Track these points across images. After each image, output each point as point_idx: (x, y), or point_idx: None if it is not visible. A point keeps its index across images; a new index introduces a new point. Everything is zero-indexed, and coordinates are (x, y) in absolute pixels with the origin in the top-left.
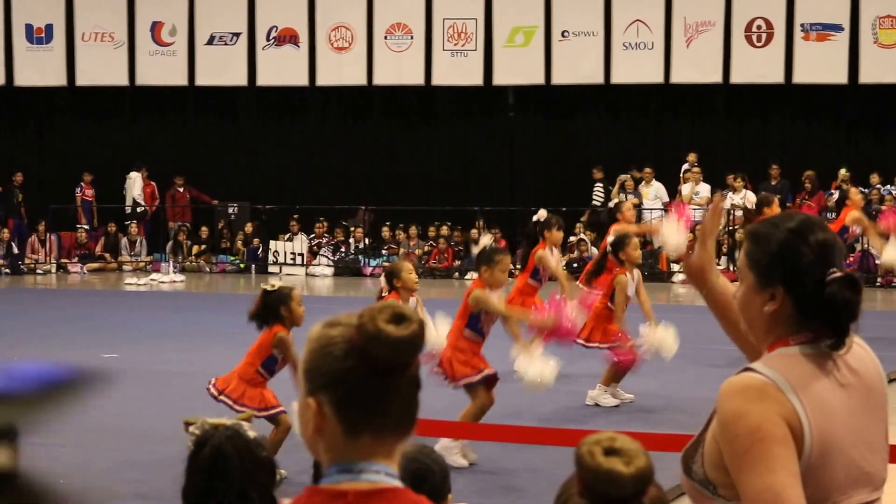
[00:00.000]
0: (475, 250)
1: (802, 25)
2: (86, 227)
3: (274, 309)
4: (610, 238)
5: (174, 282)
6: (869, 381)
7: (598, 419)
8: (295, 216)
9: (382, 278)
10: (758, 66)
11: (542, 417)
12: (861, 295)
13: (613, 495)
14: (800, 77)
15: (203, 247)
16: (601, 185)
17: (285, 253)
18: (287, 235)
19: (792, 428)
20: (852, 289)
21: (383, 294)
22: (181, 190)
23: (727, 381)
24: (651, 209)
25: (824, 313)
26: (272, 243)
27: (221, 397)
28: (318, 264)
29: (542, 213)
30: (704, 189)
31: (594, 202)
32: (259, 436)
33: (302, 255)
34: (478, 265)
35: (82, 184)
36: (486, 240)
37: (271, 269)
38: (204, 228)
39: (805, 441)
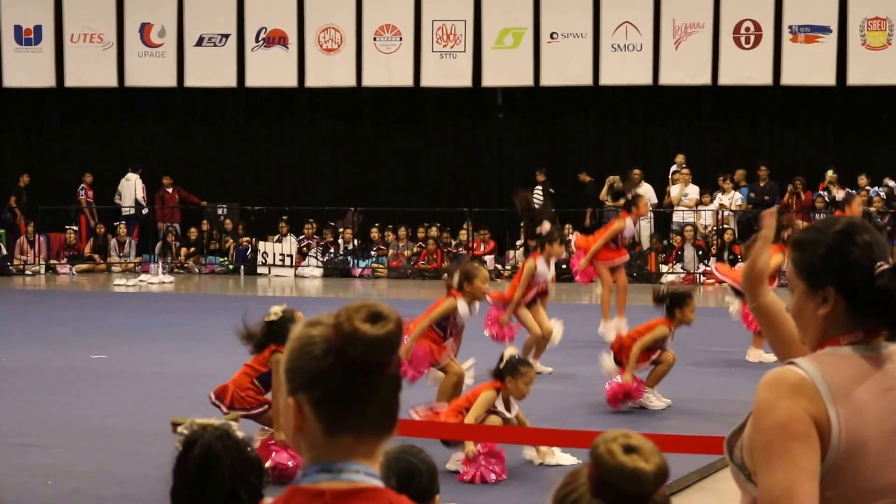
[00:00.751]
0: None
1: (791, 27)
2: (95, 228)
3: (276, 334)
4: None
5: (163, 283)
6: None
7: (588, 420)
8: (284, 217)
9: (456, 275)
10: (746, 68)
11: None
12: None
13: (636, 493)
14: (788, 79)
15: (192, 248)
16: (541, 188)
17: (274, 254)
18: (276, 237)
19: (820, 426)
20: None
21: (450, 289)
22: (170, 191)
23: (768, 372)
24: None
25: (877, 306)
26: (261, 244)
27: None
28: (307, 265)
29: (545, 227)
30: (693, 191)
31: (536, 205)
32: (247, 436)
33: (291, 256)
34: (501, 376)
35: (84, 185)
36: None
37: (260, 270)
38: (193, 230)
39: (832, 441)
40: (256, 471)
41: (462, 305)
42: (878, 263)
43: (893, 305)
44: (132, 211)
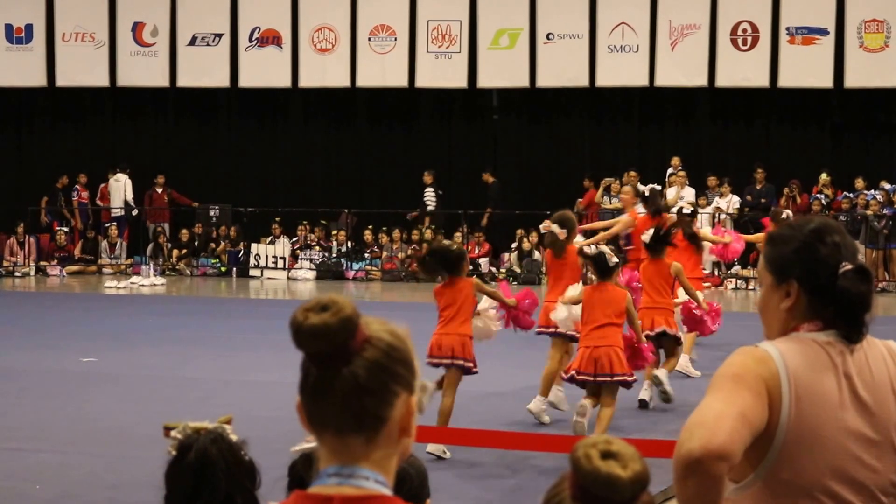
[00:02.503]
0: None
1: (788, 29)
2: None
3: None
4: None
5: (154, 285)
6: (882, 382)
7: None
8: (277, 219)
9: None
10: (743, 70)
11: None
12: (872, 286)
13: (610, 499)
14: (785, 81)
15: (184, 250)
16: (431, 189)
17: (267, 256)
18: (269, 238)
19: (771, 398)
20: (864, 280)
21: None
22: (159, 191)
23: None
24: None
25: (836, 305)
26: (254, 246)
27: None
28: (301, 268)
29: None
30: (689, 193)
31: (428, 208)
32: (241, 439)
33: (284, 258)
34: None
35: (77, 187)
36: None
37: (253, 272)
38: (184, 231)
39: (781, 417)
40: (251, 475)
41: None
42: (843, 264)
43: (850, 305)
44: (121, 212)
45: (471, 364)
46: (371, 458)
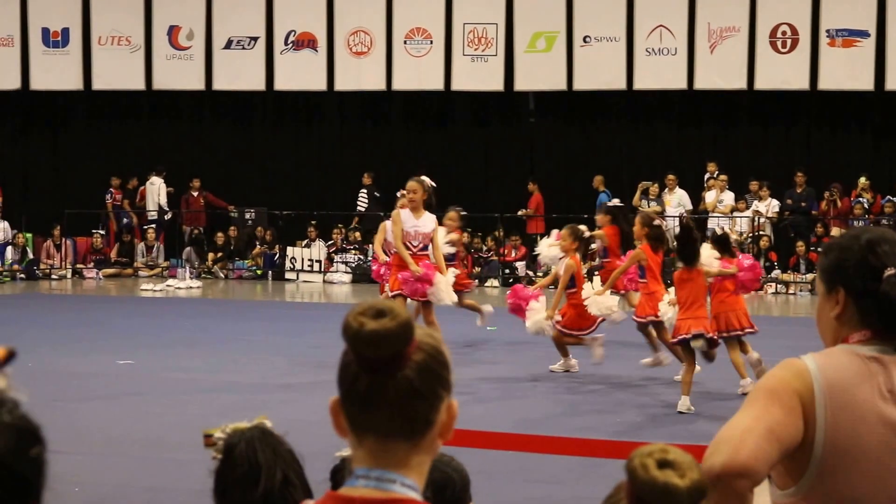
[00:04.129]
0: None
1: (828, 31)
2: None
3: None
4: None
5: (190, 288)
6: None
7: (625, 430)
8: (312, 222)
9: None
10: (782, 73)
11: (569, 428)
12: None
13: None
14: (825, 83)
15: (220, 253)
16: (366, 191)
17: (302, 259)
18: (304, 242)
19: (806, 412)
20: None
21: None
22: (195, 194)
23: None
24: (674, 217)
25: (879, 310)
26: (289, 250)
27: None
28: (336, 271)
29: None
30: (728, 197)
31: (359, 208)
32: (281, 433)
33: (319, 261)
34: None
35: (111, 189)
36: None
37: (288, 275)
38: (220, 234)
39: (817, 433)
40: (298, 461)
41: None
42: (888, 269)
43: (892, 310)
44: (156, 215)
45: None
46: (411, 463)
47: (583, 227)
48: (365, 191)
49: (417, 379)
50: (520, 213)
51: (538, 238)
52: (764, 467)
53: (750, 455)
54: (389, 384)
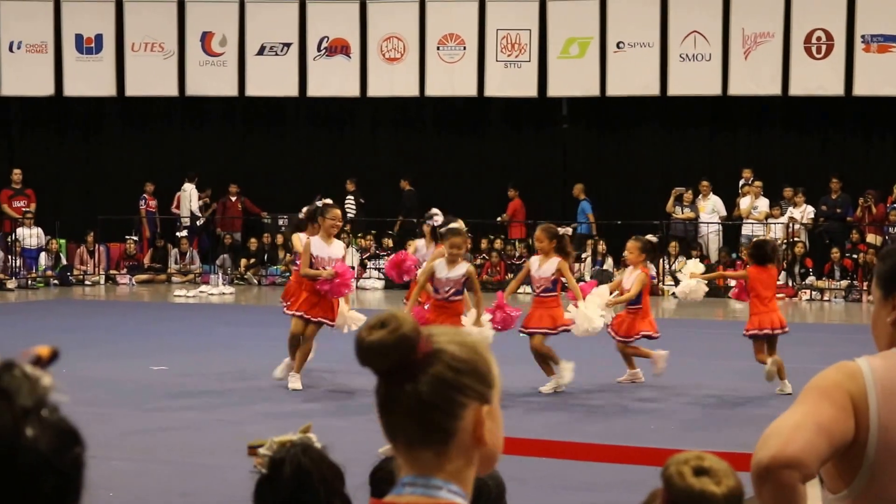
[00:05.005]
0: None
1: (863, 37)
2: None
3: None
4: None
5: (223, 294)
6: None
7: (650, 435)
8: (345, 228)
9: None
10: (817, 78)
11: (601, 434)
12: None
13: None
14: (860, 89)
15: (252, 259)
16: (352, 196)
17: None
18: None
19: (858, 413)
20: None
21: None
22: (233, 199)
23: None
24: (708, 223)
25: None
26: None
27: None
28: (369, 277)
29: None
30: (763, 203)
31: (348, 214)
32: (324, 445)
33: (352, 267)
34: None
35: (145, 195)
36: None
37: None
38: (253, 240)
39: (870, 435)
40: (341, 478)
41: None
42: None
43: None
44: (188, 221)
45: None
46: (445, 470)
47: (650, 237)
48: (351, 197)
49: (427, 389)
50: (498, 219)
51: (516, 243)
52: (814, 461)
53: (799, 448)
54: (400, 393)
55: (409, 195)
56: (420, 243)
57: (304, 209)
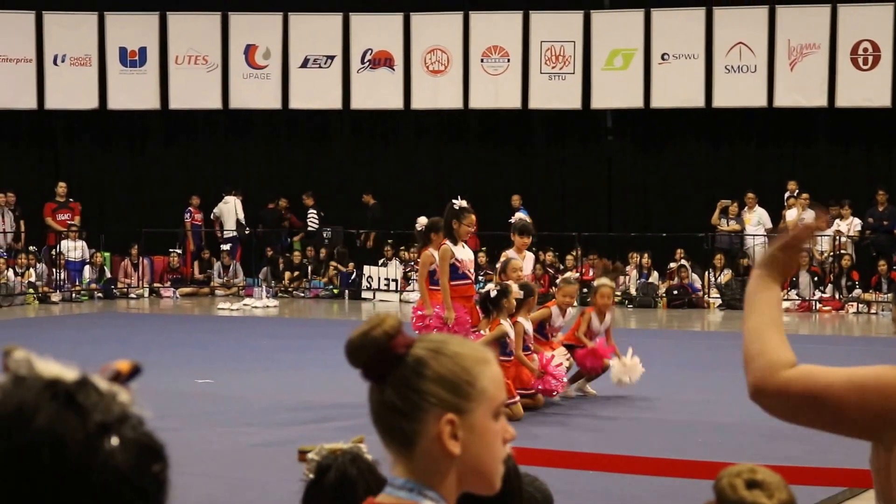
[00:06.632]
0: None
1: None
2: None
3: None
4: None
5: (267, 307)
6: None
7: (698, 448)
8: (389, 241)
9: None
10: (864, 90)
11: (649, 447)
12: None
13: None
14: None
15: (296, 272)
16: (314, 210)
17: (379, 278)
18: (381, 260)
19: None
20: None
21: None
22: (283, 213)
23: None
24: (754, 235)
25: None
26: (366, 268)
27: None
28: (413, 290)
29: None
30: (810, 216)
31: (309, 227)
32: (375, 459)
33: (396, 280)
34: None
35: (191, 209)
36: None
37: (365, 294)
38: (297, 253)
39: None
40: None
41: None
42: None
43: None
44: (233, 233)
45: None
46: (415, 473)
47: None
48: (314, 211)
49: (391, 391)
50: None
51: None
52: (799, 381)
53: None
54: (372, 392)
55: (375, 208)
56: (512, 253)
57: (423, 220)
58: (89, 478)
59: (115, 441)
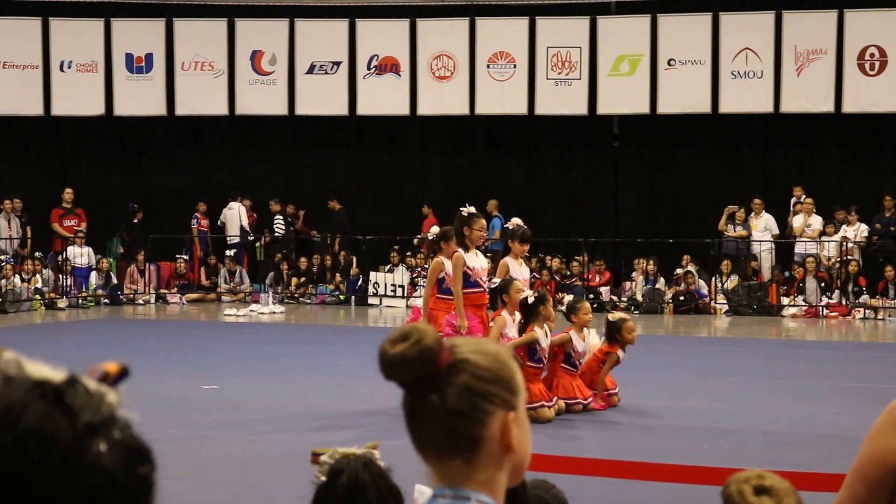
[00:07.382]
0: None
1: None
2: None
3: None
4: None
5: (273, 313)
6: None
7: (704, 454)
8: (395, 247)
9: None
10: (871, 95)
11: (656, 453)
12: None
13: None
14: None
15: (303, 278)
16: (280, 216)
17: (385, 284)
18: (387, 266)
19: None
20: None
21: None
22: (290, 219)
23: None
24: (760, 241)
25: None
26: (372, 274)
27: None
28: (420, 296)
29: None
30: (816, 221)
31: (276, 233)
32: (388, 465)
33: (403, 286)
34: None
35: (197, 214)
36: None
37: (371, 300)
38: (303, 259)
39: None
40: (398, 499)
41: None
42: None
43: None
44: (237, 239)
45: None
46: (475, 479)
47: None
48: (280, 217)
49: (453, 398)
50: (415, 240)
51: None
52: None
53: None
54: (424, 405)
55: (341, 213)
56: (508, 259)
57: (435, 230)
58: (77, 478)
59: (102, 443)
